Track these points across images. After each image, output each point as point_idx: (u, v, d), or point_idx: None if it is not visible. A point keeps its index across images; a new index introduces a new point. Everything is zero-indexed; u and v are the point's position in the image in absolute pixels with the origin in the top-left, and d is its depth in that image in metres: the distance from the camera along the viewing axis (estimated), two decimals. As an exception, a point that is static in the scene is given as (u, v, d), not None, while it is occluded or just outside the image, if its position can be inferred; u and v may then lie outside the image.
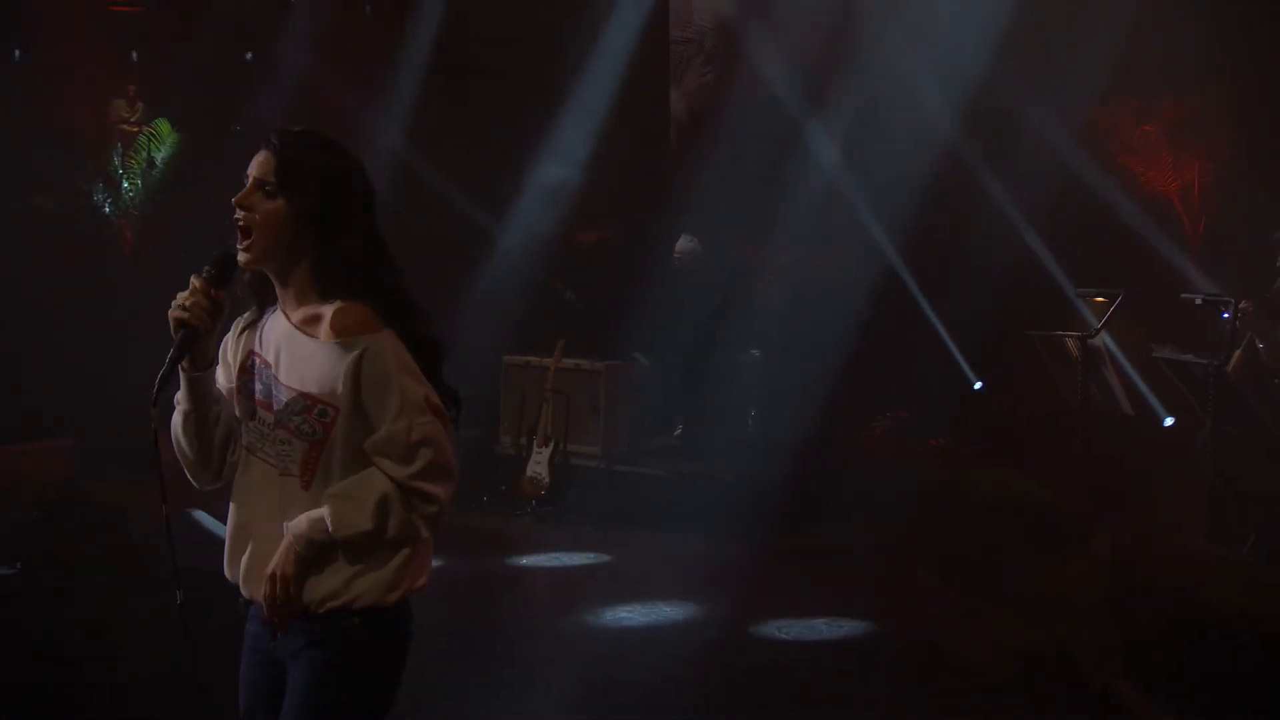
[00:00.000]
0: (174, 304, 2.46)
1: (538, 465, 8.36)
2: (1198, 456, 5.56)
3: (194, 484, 2.60)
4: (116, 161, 11.50)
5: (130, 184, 11.47)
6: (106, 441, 8.98)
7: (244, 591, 2.54)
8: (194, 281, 2.47)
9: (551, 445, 8.39)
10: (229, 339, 2.62)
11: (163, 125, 11.54)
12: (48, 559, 5.90)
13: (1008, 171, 9.35)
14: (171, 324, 2.45)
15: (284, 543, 2.43)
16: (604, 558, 7.36)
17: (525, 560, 7.30)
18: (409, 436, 2.41)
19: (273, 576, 2.42)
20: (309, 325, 2.47)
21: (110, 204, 11.45)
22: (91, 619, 5.09)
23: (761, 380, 9.34)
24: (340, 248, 2.46)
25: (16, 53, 11.75)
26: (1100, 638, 4.66)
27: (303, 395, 2.44)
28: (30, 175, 11.19)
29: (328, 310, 2.46)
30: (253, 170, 2.48)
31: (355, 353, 2.40)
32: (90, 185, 11.43)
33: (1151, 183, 9.37)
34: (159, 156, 11.47)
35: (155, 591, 5.19)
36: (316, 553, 2.41)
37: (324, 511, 2.41)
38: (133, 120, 11.88)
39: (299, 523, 2.42)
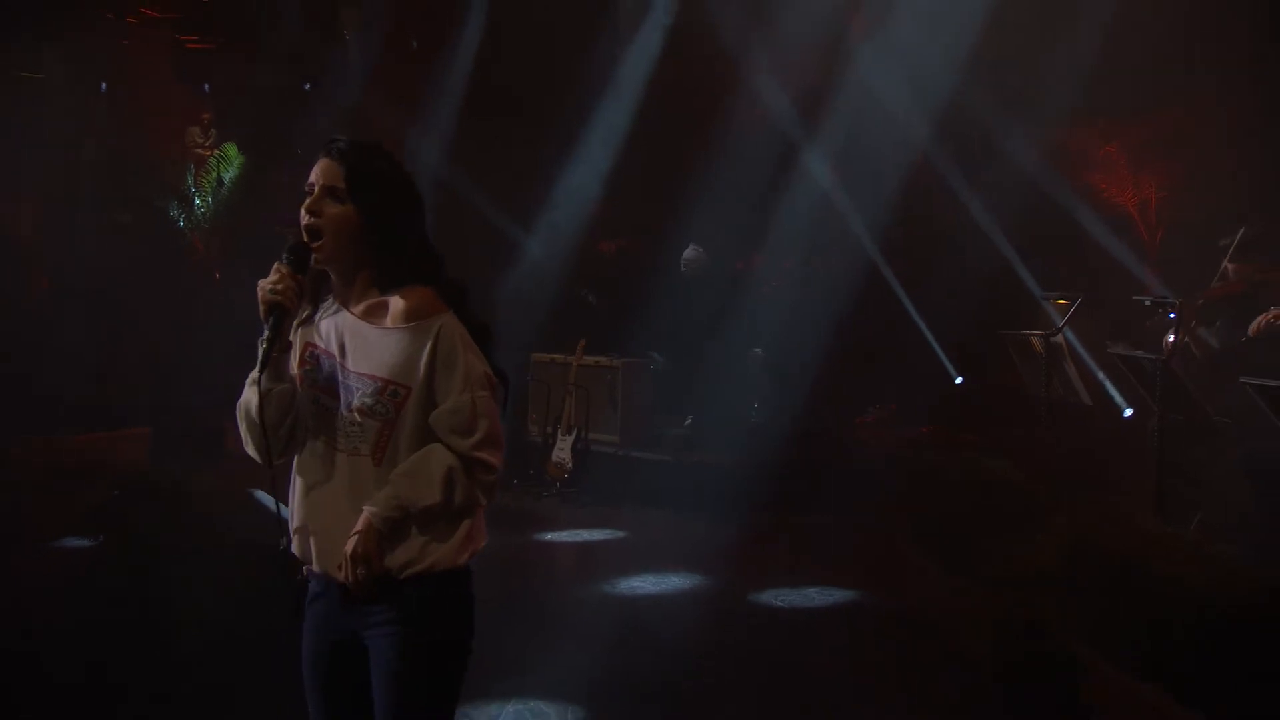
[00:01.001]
0: (265, 289, 2.40)
1: (562, 451, 8.39)
2: (1149, 442, 5.53)
3: (259, 460, 2.49)
4: (190, 181, 11.61)
5: (202, 201, 11.57)
6: (177, 430, 9.09)
7: (316, 566, 2.45)
8: (279, 268, 2.41)
9: (574, 433, 8.42)
10: None
11: (230, 149, 11.63)
12: (125, 532, 5.96)
13: (983, 187, 9.34)
14: (264, 307, 2.40)
15: (362, 523, 2.36)
16: (620, 533, 7.40)
17: (550, 536, 7.33)
18: (473, 409, 2.38)
19: (354, 555, 2.35)
20: (373, 315, 2.43)
21: (184, 218, 11.55)
22: (163, 584, 5.15)
23: (763, 376, 9.34)
24: (403, 246, 2.44)
25: (103, 85, 11.87)
26: (1062, 606, 4.64)
27: (375, 379, 2.39)
28: (113, 194, 11.32)
29: (391, 299, 2.42)
30: (319, 178, 2.43)
31: (431, 333, 2.38)
32: (166, 202, 11.54)
33: (1113, 198, 9.33)
34: (227, 176, 11.57)
35: (219, 560, 5.30)
36: (393, 529, 2.36)
37: (395, 489, 2.36)
38: (205, 145, 11.98)
39: (375, 503, 2.36)
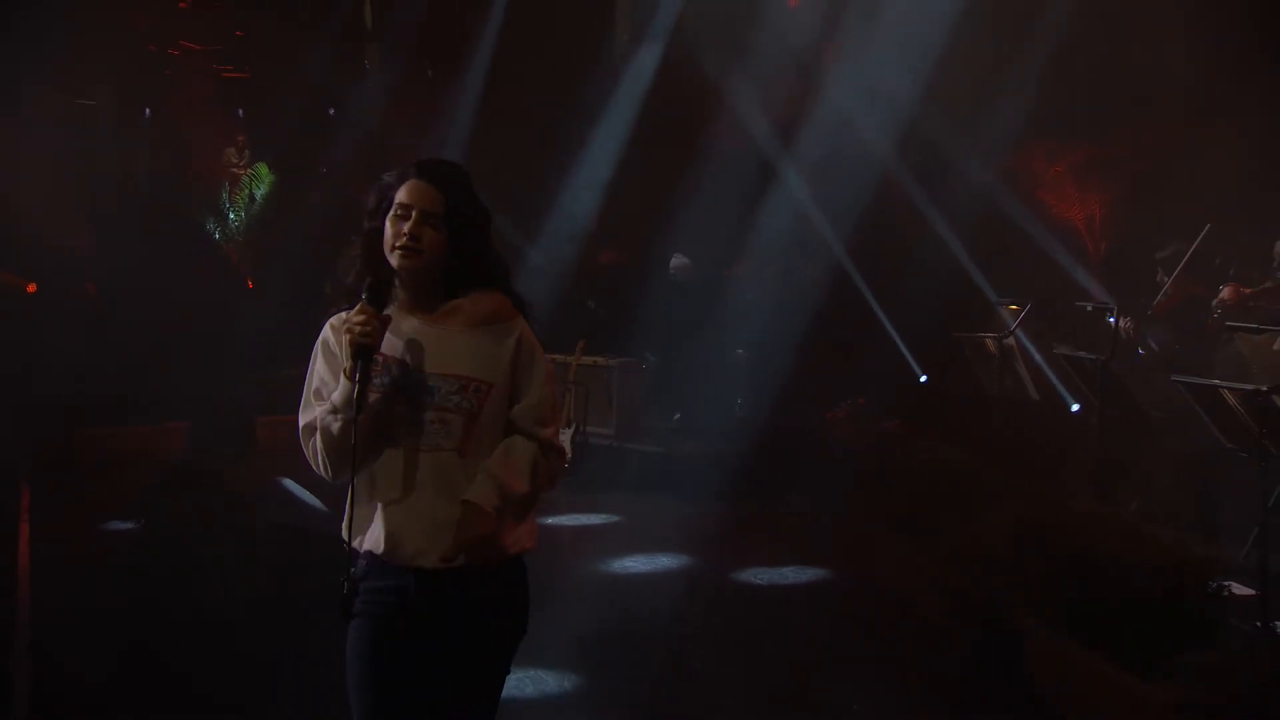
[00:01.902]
0: (355, 332, 2.26)
1: (562, 443, 8.33)
2: (1091, 435, 5.55)
3: (332, 479, 2.37)
4: (225, 197, 11.61)
5: (235, 215, 11.59)
6: (212, 424, 9.09)
7: (398, 560, 2.32)
8: (365, 308, 2.28)
9: (574, 427, 8.38)
10: (333, 342, 2.39)
11: (262, 168, 11.64)
12: (164, 516, 5.96)
13: (944, 202, 9.35)
14: (351, 348, 2.26)
15: (471, 512, 2.27)
16: (615, 518, 7.35)
17: (551, 520, 7.27)
18: (551, 401, 2.38)
19: (478, 541, 2.27)
20: (447, 318, 2.35)
21: (219, 231, 11.55)
22: (197, 562, 5.15)
23: (746, 374, 9.31)
24: (483, 258, 2.39)
25: (147, 111, 11.88)
26: (1012, 580, 4.66)
27: (458, 377, 2.30)
28: (156, 208, 11.32)
29: (462, 303, 2.36)
30: (416, 201, 2.32)
31: (514, 336, 2.34)
32: (204, 216, 11.55)
33: (1061, 213, 9.35)
34: (259, 193, 11.59)
35: (247, 542, 5.30)
36: (498, 514, 2.29)
37: (494, 478, 2.30)
38: (239, 164, 11.97)
39: (477, 492, 2.28)
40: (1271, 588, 4.38)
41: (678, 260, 9.45)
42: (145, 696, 4.29)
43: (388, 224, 2.34)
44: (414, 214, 2.31)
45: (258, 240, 11.58)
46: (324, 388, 2.38)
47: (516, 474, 2.32)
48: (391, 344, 2.34)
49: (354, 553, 2.37)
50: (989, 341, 6.79)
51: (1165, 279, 6.25)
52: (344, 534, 2.39)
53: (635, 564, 6.25)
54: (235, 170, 11.90)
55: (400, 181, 2.35)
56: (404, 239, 2.30)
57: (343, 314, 2.37)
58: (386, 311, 2.36)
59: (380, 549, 2.34)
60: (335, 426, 2.31)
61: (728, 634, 5.20)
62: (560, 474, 2.42)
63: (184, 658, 4.52)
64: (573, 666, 4.54)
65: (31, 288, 10.49)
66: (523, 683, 4.34)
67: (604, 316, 9.93)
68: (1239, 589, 4.40)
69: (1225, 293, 5.76)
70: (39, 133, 10.23)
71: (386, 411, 2.33)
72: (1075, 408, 7.12)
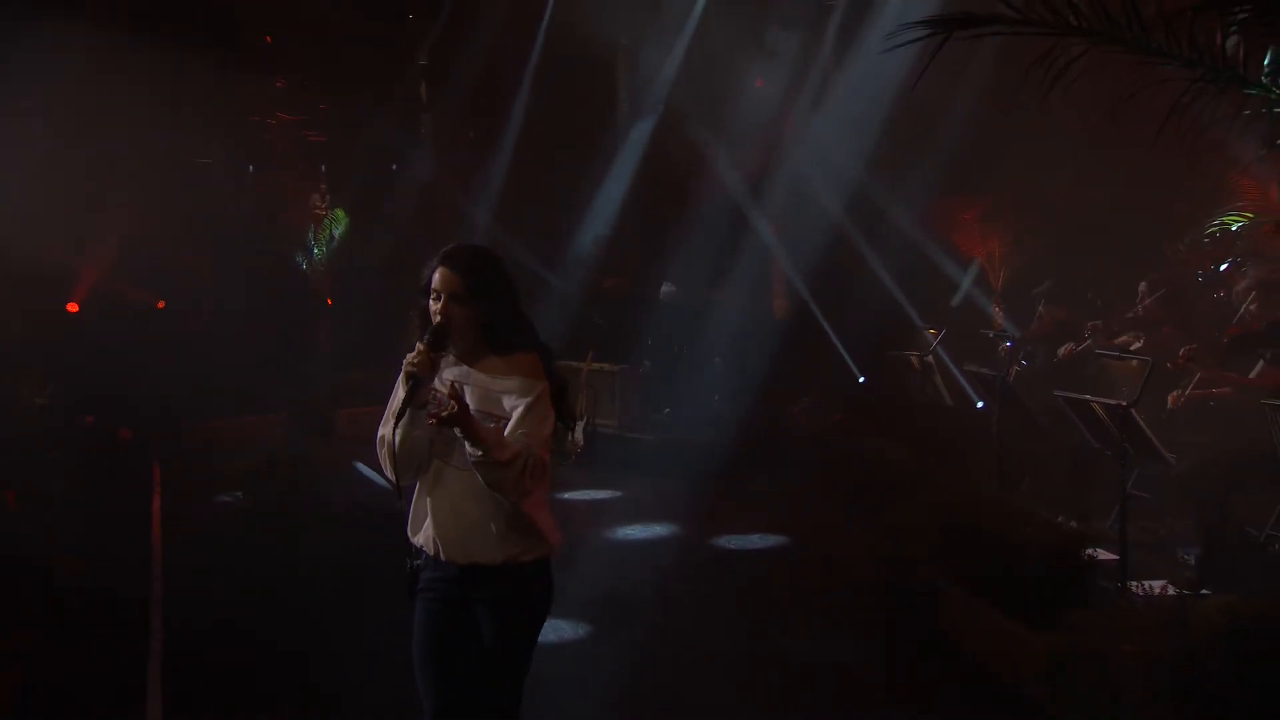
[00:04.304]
0: (406, 363, 2.30)
1: (577, 433, 8.36)
2: (992, 434, 5.57)
3: (397, 481, 2.36)
4: (311, 235, 11.63)
5: (318, 250, 11.59)
6: (302, 417, 9.12)
7: (444, 556, 2.35)
8: (420, 346, 2.31)
9: (585, 419, 8.38)
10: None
11: (339, 213, 11.64)
12: (264, 493, 6.00)
13: (879, 245, 9.39)
14: (404, 377, 2.30)
15: (478, 423, 2.24)
16: (618, 493, 7.31)
17: (566, 495, 7.24)
18: (546, 440, 2.33)
19: (464, 415, 2.21)
20: (489, 370, 2.37)
21: (305, 263, 11.58)
22: (289, 532, 5.20)
23: (722, 377, 9.31)
24: (507, 320, 2.39)
25: (251, 168, 11.93)
26: (932, 551, 4.68)
27: (489, 414, 2.32)
28: (257, 245, 11.37)
29: (505, 360, 2.36)
30: (443, 287, 2.33)
31: (535, 392, 2.32)
32: (294, 251, 11.58)
33: (969, 251, 9.36)
34: (337, 233, 11.59)
35: (327, 514, 5.33)
36: (482, 451, 2.23)
37: (491, 437, 2.24)
38: (322, 208, 11.97)
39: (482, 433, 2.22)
40: (1129, 554, 4.42)
41: (666, 288, 9.49)
42: (245, 632, 4.37)
43: (431, 301, 2.40)
44: (443, 297, 2.36)
45: (336, 269, 11.62)
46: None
47: (509, 451, 2.26)
48: (441, 383, 2.37)
49: (414, 544, 2.43)
50: (913, 359, 6.81)
51: (1041, 308, 6.29)
52: (407, 529, 2.44)
53: (634, 532, 6.24)
54: (318, 214, 11.89)
55: (436, 267, 2.40)
56: (436, 317, 2.36)
57: None
58: (445, 360, 2.41)
59: (428, 546, 2.41)
60: (387, 436, 2.37)
61: (707, 588, 5.22)
62: (530, 490, 2.33)
63: (273, 607, 4.58)
64: (585, 616, 4.57)
65: (160, 304, 10.56)
66: (544, 630, 4.36)
67: (609, 331, 9.95)
68: (1104, 554, 4.44)
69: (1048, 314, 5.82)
70: (166, 185, 10.33)
71: (435, 435, 2.37)
72: (980, 405, 7.15)
